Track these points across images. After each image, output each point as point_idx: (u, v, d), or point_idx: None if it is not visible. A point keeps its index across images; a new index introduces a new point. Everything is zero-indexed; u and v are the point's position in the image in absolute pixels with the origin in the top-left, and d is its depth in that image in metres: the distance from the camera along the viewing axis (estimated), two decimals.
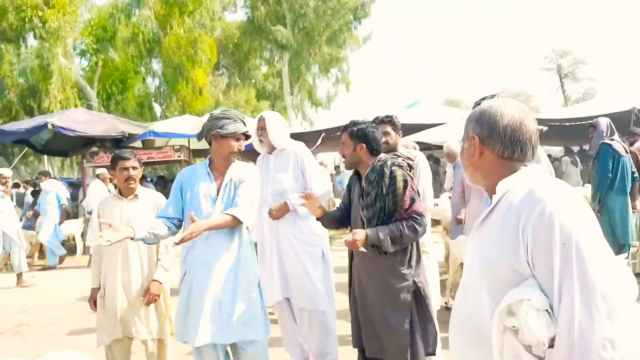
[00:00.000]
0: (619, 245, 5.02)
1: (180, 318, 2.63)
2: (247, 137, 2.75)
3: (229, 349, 2.74)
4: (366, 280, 2.60)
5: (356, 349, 2.78)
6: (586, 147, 9.92)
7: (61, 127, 8.73)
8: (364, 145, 2.61)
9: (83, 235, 9.73)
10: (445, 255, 5.59)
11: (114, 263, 2.97)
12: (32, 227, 9.22)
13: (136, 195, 3.07)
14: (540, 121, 1.92)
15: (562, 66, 35.42)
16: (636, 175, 5.14)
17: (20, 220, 8.79)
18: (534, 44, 70.76)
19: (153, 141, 10.68)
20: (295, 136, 4.17)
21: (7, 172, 7.63)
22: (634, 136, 6.28)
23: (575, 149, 12.23)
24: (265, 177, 3.42)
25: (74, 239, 9.77)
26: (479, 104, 1.47)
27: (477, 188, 4.53)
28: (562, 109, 20.92)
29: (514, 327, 1.19)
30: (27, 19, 16.83)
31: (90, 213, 7.50)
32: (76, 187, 12.55)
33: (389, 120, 3.21)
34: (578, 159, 10.90)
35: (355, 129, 2.63)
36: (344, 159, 2.75)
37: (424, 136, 10.02)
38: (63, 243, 10.23)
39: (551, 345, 1.15)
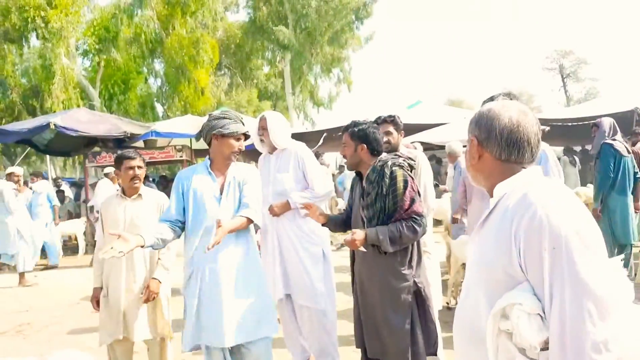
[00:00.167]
0: (620, 245, 5.01)
1: (192, 322, 2.62)
2: (246, 137, 2.78)
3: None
4: (367, 280, 2.60)
5: (358, 349, 2.78)
6: (588, 147, 9.90)
7: (63, 127, 8.75)
8: (365, 145, 2.61)
9: (85, 234, 9.76)
10: (446, 256, 5.59)
11: (117, 263, 2.97)
12: None
13: (140, 195, 3.08)
14: (542, 121, 1.91)
15: (564, 66, 35.39)
16: (639, 175, 5.12)
17: None
18: (536, 44, 70.56)
19: (155, 141, 10.70)
20: (297, 136, 4.18)
21: (19, 170, 7.73)
22: (637, 136, 6.26)
23: (577, 149, 12.21)
24: (266, 177, 3.44)
25: (75, 239, 9.81)
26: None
27: (478, 189, 4.52)
28: (564, 109, 20.90)
29: (508, 330, 1.19)
30: (29, 19, 16.87)
31: (99, 212, 7.54)
32: (79, 187, 12.61)
33: (391, 120, 3.22)
34: (577, 159, 10.89)
35: (356, 129, 2.64)
36: (345, 160, 2.75)
37: (425, 136, 10.02)
38: (65, 243, 10.28)
39: (545, 348, 1.15)
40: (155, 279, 3.00)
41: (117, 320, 2.98)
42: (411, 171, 2.62)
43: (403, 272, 2.50)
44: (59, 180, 12.55)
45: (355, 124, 2.68)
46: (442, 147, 8.41)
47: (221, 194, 2.69)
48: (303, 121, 25.38)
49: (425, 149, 8.30)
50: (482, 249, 1.30)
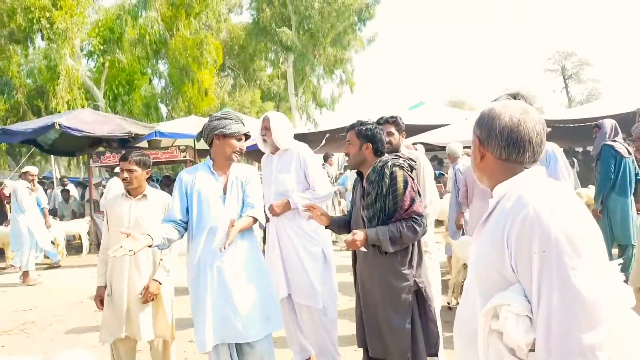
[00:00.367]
0: (620, 246, 5.01)
1: (205, 322, 2.63)
2: (247, 137, 2.83)
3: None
4: (368, 280, 2.61)
5: (359, 349, 2.80)
6: (590, 148, 9.89)
7: (68, 128, 8.81)
8: (370, 145, 2.63)
9: (89, 234, 9.82)
10: (447, 256, 5.61)
11: (121, 262, 2.99)
12: None
13: (144, 195, 3.10)
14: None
15: (566, 67, 35.31)
16: None
17: None
18: (538, 45, 70.47)
19: (159, 141, 10.76)
20: (299, 137, 4.20)
21: (34, 170, 7.80)
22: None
23: (579, 150, 12.19)
24: (268, 177, 3.47)
25: (79, 238, 9.87)
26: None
27: (479, 189, 4.58)
28: (566, 110, 20.85)
29: (499, 330, 1.20)
30: (35, 20, 16.96)
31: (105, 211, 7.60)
32: (84, 186, 12.66)
33: (393, 121, 3.23)
34: (575, 161, 10.86)
35: (363, 128, 2.65)
36: (347, 158, 2.76)
37: (427, 137, 10.04)
38: (69, 242, 10.34)
39: (533, 350, 1.15)
40: (155, 280, 3.02)
41: (120, 319, 3.00)
42: (411, 172, 2.63)
43: (403, 271, 2.51)
44: (65, 180, 12.61)
45: (361, 122, 2.70)
46: (444, 148, 8.43)
47: (225, 193, 2.73)
48: (306, 122, 25.43)
49: (426, 150, 8.31)
50: (480, 250, 1.31)
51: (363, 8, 21.78)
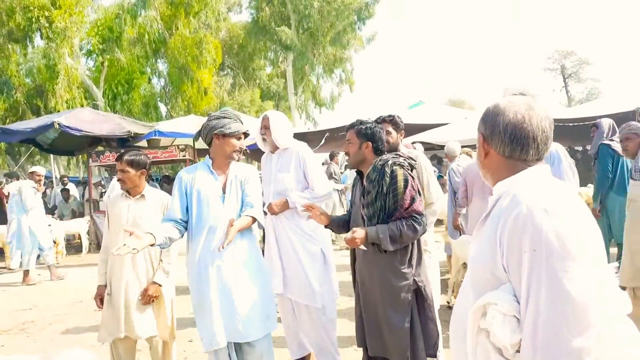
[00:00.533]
0: (619, 245, 5.01)
1: (208, 321, 2.64)
2: (245, 135, 2.82)
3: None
4: (368, 279, 2.61)
5: (359, 348, 2.80)
6: (589, 147, 9.90)
7: (67, 127, 8.80)
8: (370, 144, 2.63)
9: (88, 233, 9.82)
10: (447, 255, 5.62)
11: (120, 261, 2.99)
12: None
13: (143, 195, 3.10)
14: None
15: (565, 66, 35.34)
16: None
17: None
18: (537, 44, 70.54)
19: (158, 140, 10.75)
20: (299, 136, 4.20)
21: (41, 170, 7.81)
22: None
23: (579, 149, 12.20)
24: (267, 176, 3.47)
25: (79, 237, 9.87)
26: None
27: (479, 188, 4.58)
28: (565, 109, 20.86)
29: (487, 328, 1.19)
30: (34, 20, 16.95)
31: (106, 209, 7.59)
32: (85, 185, 12.65)
33: (390, 120, 3.24)
34: (572, 161, 10.87)
35: (363, 127, 2.66)
36: (347, 157, 2.76)
37: (427, 136, 10.04)
38: (69, 241, 10.34)
39: (519, 351, 1.14)
40: (155, 282, 3.02)
41: (119, 318, 3.00)
42: (411, 171, 2.63)
43: (403, 270, 2.51)
44: (65, 179, 12.60)
45: (361, 122, 2.70)
46: (444, 147, 8.43)
47: (224, 192, 2.73)
48: (305, 121, 25.45)
49: (426, 149, 8.32)
50: (477, 248, 1.30)
51: (362, 7, 21.79)
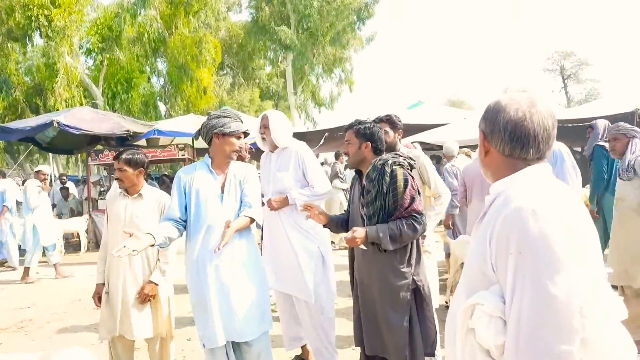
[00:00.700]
0: None
1: (207, 319, 2.65)
2: (245, 135, 2.83)
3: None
4: (367, 278, 2.62)
5: (357, 348, 2.80)
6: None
7: (66, 125, 8.79)
8: (370, 143, 2.64)
9: (87, 232, 9.82)
10: (445, 255, 5.62)
11: (116, 260, 2.99)
12: None
13: (140, 194, 3.10)
14: None
15: (565, 67, 35.39)
16: None
17: None
18: (537, 45, 70.60)
19: (157, 139, 10.74)
20: (298, 136, 4.21)
21: (46, 169, 7.82)
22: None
23: (578, 150, 12.20)
24: (267, 175, 3.48)
25: (78, 236, 9.87)
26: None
27: (478, 189, 4.58)
28: (564, 110, 20.89)
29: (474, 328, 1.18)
30: (33, 18, 16.94)
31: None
32: (85, 184, 12.65)
33: (387, 119, 3.26)
34: None
35: (361, 127, 2.67)
36: (347, 157, 2.77)
37: (426, 136, 10.05)
38: (68, 239, 10.34)
39: None
40: (151, 282, 3.02)
41: (116, 317, 3.01)
42: (411, 170, 2.64)
43: (402, 270, 2.52)
44: (64, 178, 12.60)
45: (360, 122, 2.71)
46: (442, 147, 8.42)
47: (222, 192, 2.73)
48: (304, 121, 25.46)
49: (425, 149, 8.32)
50: (472, 248, 1.29)
51: (362, 7, 21.79)
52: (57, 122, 8.65)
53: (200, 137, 2.87)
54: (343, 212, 2.94)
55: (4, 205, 8.06)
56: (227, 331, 2.63)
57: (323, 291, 3.33)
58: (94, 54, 20.23)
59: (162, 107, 22.98)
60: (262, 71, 25.46)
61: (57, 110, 15.49)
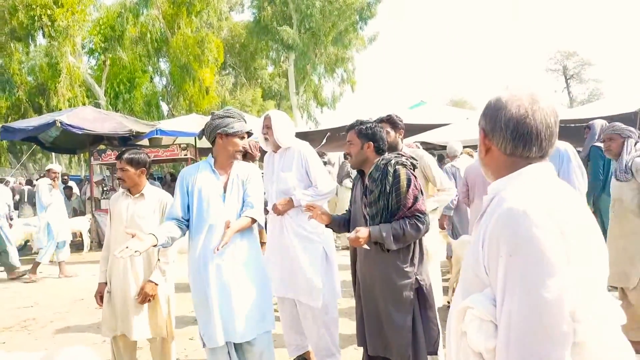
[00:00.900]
0: None
1: (209, 319, 2.65)
2: (249, 134, 2.83)
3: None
4: (369, 278, 2.62)
5: (359, 347, 2.80)
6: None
7: (69, 125, 8.82)
8: (372, 144, 2.64)
9: (90, 231, 9.85)
10: (447, 255, 5.63)
11: (118, 260, 2.99)
12: None
13: (142, 194, 3.11)
14: None
15: (567, 67, 35.31)
16: None
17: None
18: (539, 44, 70.50)
19: (160, 139, 10.77)
20: (300, 135, 4.21)
21: (57, 167, 7.88)
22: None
23: (579, 150, 12.16)
24: (270, 176, 3.48)
25: (80, 236, 9.90)
26: None
27: (480, 189, 4.57)
28: (567, 110, 20.86)
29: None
30: (36, 18, 16.97)
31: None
32: (86, 184, 12.68)
33: (387, 119, 3.27)
34: None
35: (363, 127, 2.67)
36: (349, 158, 2.77)
37: (428, 136, 10.03)
38: (71, 239, 10.35)
39: None
40: (151, 281, 3.02)
41: (116, 316, 3.02)
42: (414, 170, 2.64)
43: (405, 269, 2.52)
44: (66, 177, 12.63)
45: (361, 122, 2.71)
46: (445, 147, 8.41)
47: (225, 192, 2.74)
48: (307, 121, 25.44)
49: (427, 149, 8.32)
50: (470, 249, 1.26)
51: (364, 7, 21.76)
52: (60, 122, 8.69)
53: (203, 136, 2.87)
54: (345, 212, 2.95)
55: None
56: (227, 332, 2.64)
57: (327, 291, 3.33)
58: (97, 53, 20.29)
59: (164, 107, 23.03)
60: (265, 71, 25.47)
61: (60, 110, 15.53)
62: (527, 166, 1.20)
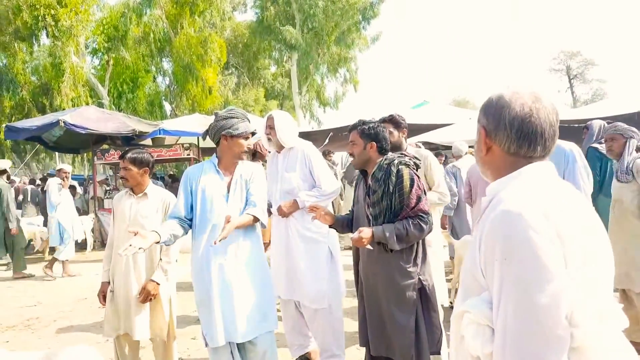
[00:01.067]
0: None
1: (212, 318, 2.65)
2: (253, 134, 2.84)
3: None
4: (372, 278, 2.62)
5: (362, 348, 2.79)
6: None
7: (72, 125, 8.84)
8: (375, 144, 2.64)
9: (93, 231, 9.87)
10: (450, 256, 5.63)
11: (121, 259, 3.01)
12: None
13: (145, 194, 3.12)
14: None
15: (571, 67, 35.21)
16: None
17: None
18: (543, 44, 70.32)
19: (163, 139, 10.78)
20: (303, 135, 4.21)
21: (67, 167, 7.93)
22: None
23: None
24: (274, 176, 3.48)
25: (84, 235, 9.91)
26: None
27: (483, 189, 4.55)
28: (570, 110, 20.80)
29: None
30: (40, 18, 17.03)
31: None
32: (89, 183, 12.71)
33: (390, 119, 3.27)
34: None
35: (366, 127, 2.66)
36: (352, 158, 2.76)
37: (431, 136, 10.03)
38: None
39: None
40: (152, 281, 3.03)
41: (119, 316, 3.03)
42: (417, 170, 2.64)
43: (408, 269, 2.52)
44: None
45: (364, 122, 2.71)
46: (447, 148, 8.41)
47: (228, 192, 2.74)
48: (309, 120, 25.47)
49: (430, 149, 8.30)
50: (469, 252, 1.24)
51: (367, 7, 21.76)
52: (64, 122, 8.71)
53: (207, 137, 2.88)
54: (348, 212, 2.95)
55: None
56: (228, 332, 2.64)
57: (332, 291, 3.33)
58: (100, 53, 20.32)
59: (167, 107, 23.06)
60: (267, 71, 25.49)
61: (64, 109, 15.57)
62: (527, 165, 1.18)
